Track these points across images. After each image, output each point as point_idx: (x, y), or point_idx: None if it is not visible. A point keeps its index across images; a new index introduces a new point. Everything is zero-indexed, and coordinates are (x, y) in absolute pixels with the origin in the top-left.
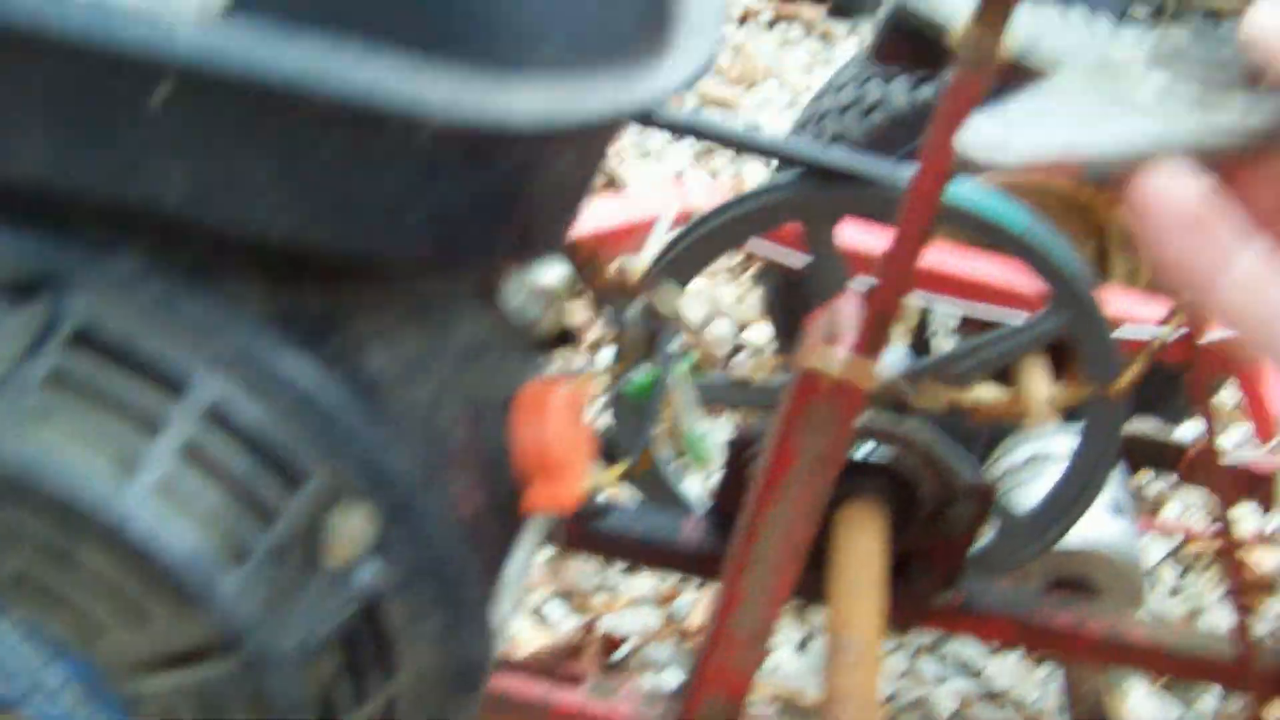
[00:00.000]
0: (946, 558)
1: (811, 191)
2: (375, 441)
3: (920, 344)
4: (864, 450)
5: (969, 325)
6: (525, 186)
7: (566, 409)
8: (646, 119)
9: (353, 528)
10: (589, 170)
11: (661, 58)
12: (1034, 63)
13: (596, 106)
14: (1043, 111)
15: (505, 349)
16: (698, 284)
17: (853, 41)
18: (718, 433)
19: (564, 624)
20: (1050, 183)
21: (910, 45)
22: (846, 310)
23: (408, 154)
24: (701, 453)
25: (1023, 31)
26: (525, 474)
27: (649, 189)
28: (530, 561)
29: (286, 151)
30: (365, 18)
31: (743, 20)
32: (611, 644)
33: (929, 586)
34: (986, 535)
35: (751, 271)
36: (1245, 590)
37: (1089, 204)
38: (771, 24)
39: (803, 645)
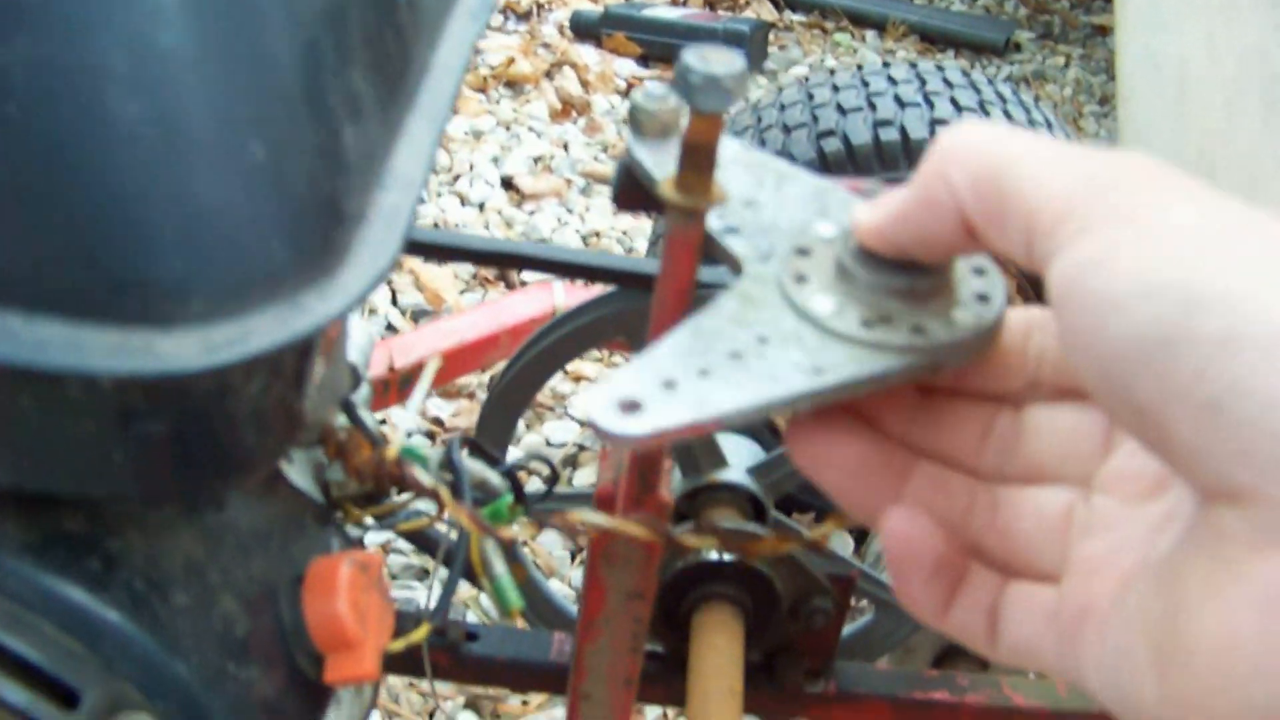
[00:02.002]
0: (815, 648)
1: (631, 304)
2: (149, 650)
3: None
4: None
5: None
6: (211, 422)
7: (356, 581)
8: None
9: None
10: (290, 388)
11: (332, 277)
12: (722, 250)
13: (246, 348)
14: (672, 372)
15: (290, 530)
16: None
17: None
18: None
19: None
20: None
21: (642, 194)
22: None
23: (93, 406)
24: (507, 601)
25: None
26: (322, 647)
27: (520, 295)
28: None
29: None
30: (24, 291)
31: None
32: None
33: (799, 678)
34: (865, 616)
35: None
36: None
37: None
38: None
39: None
